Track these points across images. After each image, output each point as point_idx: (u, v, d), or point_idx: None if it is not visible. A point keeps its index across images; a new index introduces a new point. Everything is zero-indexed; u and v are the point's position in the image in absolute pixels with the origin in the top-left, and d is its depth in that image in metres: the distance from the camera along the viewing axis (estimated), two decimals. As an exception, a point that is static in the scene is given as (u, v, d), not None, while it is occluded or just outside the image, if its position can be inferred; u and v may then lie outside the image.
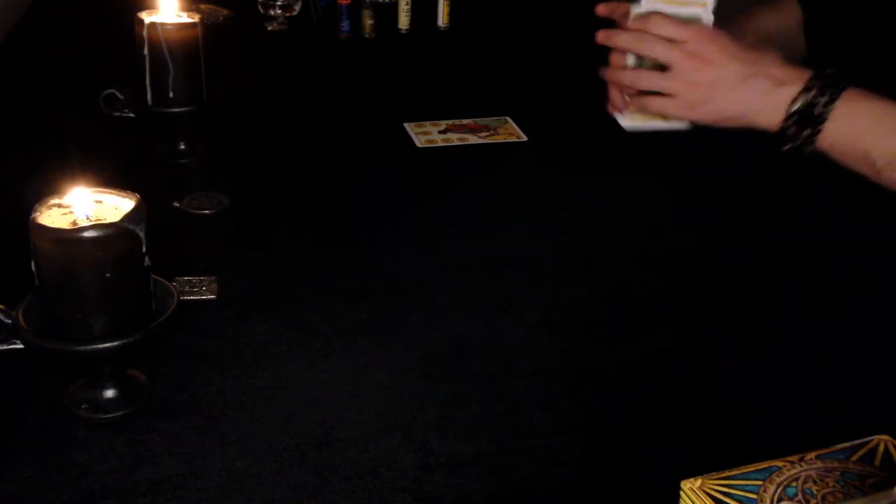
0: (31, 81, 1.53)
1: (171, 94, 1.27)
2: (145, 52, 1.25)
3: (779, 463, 0.71)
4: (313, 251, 1.14)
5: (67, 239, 0.79)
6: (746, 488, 0.69)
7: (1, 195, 1.14)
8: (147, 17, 1.26)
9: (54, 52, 1.64)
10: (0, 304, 0.84)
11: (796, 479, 0.70)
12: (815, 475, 0.71)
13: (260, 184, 1.29)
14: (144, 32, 1.25)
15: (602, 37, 1.06)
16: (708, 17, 1.06)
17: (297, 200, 1.26)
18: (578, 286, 1.09)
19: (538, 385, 0.93)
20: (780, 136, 0.99)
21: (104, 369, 0.86)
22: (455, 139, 1.44)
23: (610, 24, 1.09)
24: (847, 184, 1.01)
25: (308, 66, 1.75)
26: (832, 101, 0.96)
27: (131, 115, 1.30)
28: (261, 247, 1.14)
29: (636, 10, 1.05)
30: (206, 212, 1.19)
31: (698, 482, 0.69)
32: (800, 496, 0.69)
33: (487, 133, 1.46)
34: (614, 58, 1.07)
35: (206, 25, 1.33)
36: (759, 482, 0.70)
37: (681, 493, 0.70)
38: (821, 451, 0.73)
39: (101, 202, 0.84)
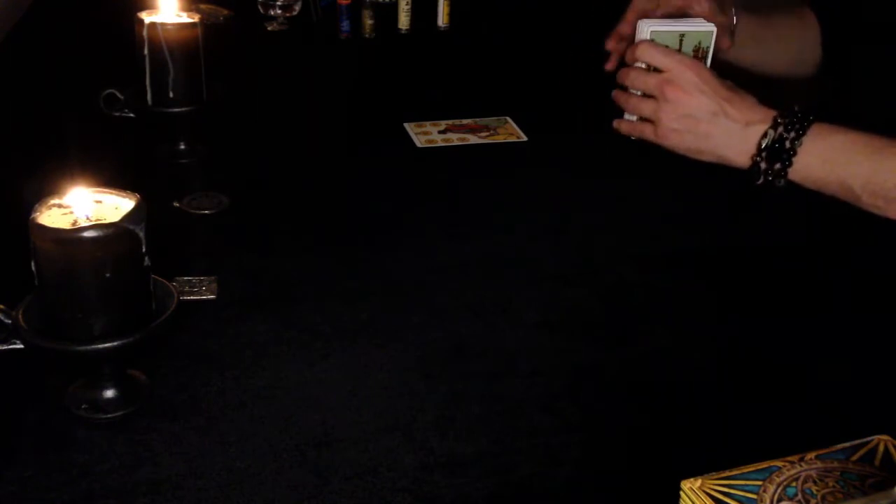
0: (31, 81, 1.53)
1: (171, 94, 1.27)
2: (145, 52, 1.25)
3: (779, 463, 0.71)
4: (313, 251, 1.14)
5: (67, 239, 0.79)
6: (746, 488, 0.69)
7: (1, 195, 1.14)
8: (147, 17, 1.26)
9: (54, 52, 1.64)
10: (0, 304, 0.84)
11: (796, 479, 0.70)
12: (815, 475, 0.71)
13: (260, 184, 1.29)
14: (144, 32, 1.25)
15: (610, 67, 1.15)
16: (708, 41, 1.08)
17: (297, 200, 1.26)
18: (578, 286, 1.09)
19: (538, 385, 0.93)
20: (751, 171, 1.03)
21: (104, 369, 0.86)
22: (455, 139, 1.44)
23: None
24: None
25: (308, 66, 1.75)
26: (800, 135, 1.00)
27: (131, 115, 1.30)
28: (261, 247, 1.14)
29: (638, 33, 1.08)
30: (206, 212, 1.19)
31: (698, 482, 0.69)
32: (800, 496, 0.69)
33: (487, 133, 1.46)
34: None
35: (206, 25, 1.33)
36: (759, 482, 0.70)
37: (681, 493, 0.70)
38: (821, 451, 0.73)
39: (101, 202, 0.84)
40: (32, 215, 0.80)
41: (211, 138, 1.35)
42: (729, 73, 1.13)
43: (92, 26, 1.72)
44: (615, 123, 1.13)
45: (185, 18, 1.28)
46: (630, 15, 1.19)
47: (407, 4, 1.89)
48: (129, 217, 0.81)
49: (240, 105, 1.44)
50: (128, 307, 0.83)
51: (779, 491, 0.69)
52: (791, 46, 1.30)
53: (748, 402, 0.92)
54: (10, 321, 0.82)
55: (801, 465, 0.71)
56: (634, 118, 1.11)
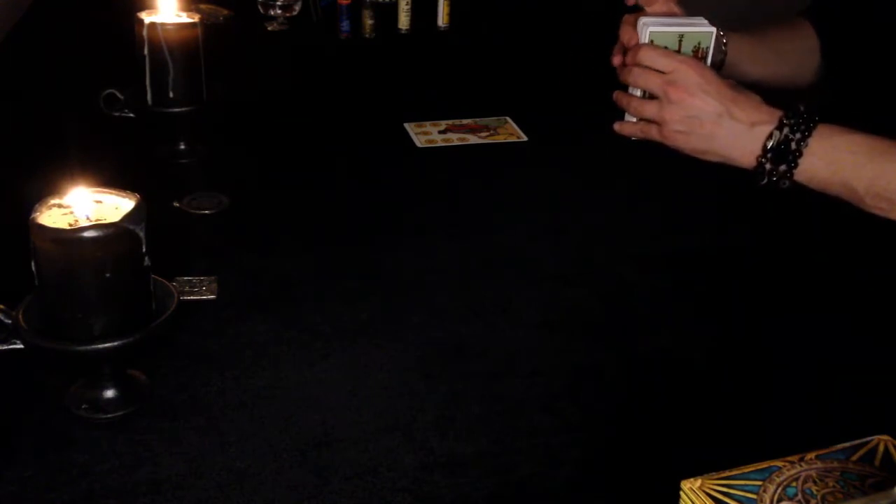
0: (31, 81, 1.53)
1: (171, 94, 1.27)
2: (145, 52, 1.25)
3: (779, 463, 0.71)
4: (313, 251, 1.14)
5: (67, 239, 0.79)
6: (746, 488, 0.69)
7: (1, 195, 1.14)
8: (147, 17, 1.26)
9: (54, 52, 1.64)
10: (0, 304, 0.84)
11: (796, 479, 0.70)
12: (815, 475, 0.71)
13: (260, 184, 1.29)
14: (144, 32, 1.25)
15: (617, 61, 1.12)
16: (708, 41, 1.08)
17: (297, 200, 1.26)
18: (578, 286, 1.09)
19: (538, 385, 0.93)
20: (756, 172, 1.03)
21: (104, 369, 0.86)
22: (455, 139, 1.44)
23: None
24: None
25: (308, 66, 1.75)
26: (805, 137, 1.00)
27: (131, 115, 1.30)
28: (261, 247, 1.14)
29: (640, 28, 1.08)
30: (206, 212, 1.19)
31: (698, 482, 0.69)
32: (800, 496, 0.69)
33: (487, 133, 1.47)
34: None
35: (206, 25, 1.33)
36: (759, 482, 0.70)
37: (681, 493, 0.70)
38: (821, 451, 0.73)
39: (101, 202, 0.84)
40: (32, 215, 0.80)
41: (211, 138, 1.35)
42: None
43: (92, 26, 1.73)
44: (616, 126, 1.13)
45: (185, 18, 1.28)
46: (628, 23, 1.18)
47: (407, 4, 1.89)
48: (129, 217, 0.81)
49: (240, 105, 1.44)
50: (128, 307, 0.83)
51: (779, 491, 0.69)
52: (790, 59, 1.30)
53: (748, 402, 0.92)
54: (10, 321, 0.83)
55: (801, 465, 0.71)
56: (634, 119, 1.11)
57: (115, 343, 0.81)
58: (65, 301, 0.81)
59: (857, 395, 0.93)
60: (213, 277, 1.04)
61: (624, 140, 1.14)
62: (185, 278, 1.03)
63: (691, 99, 1.04)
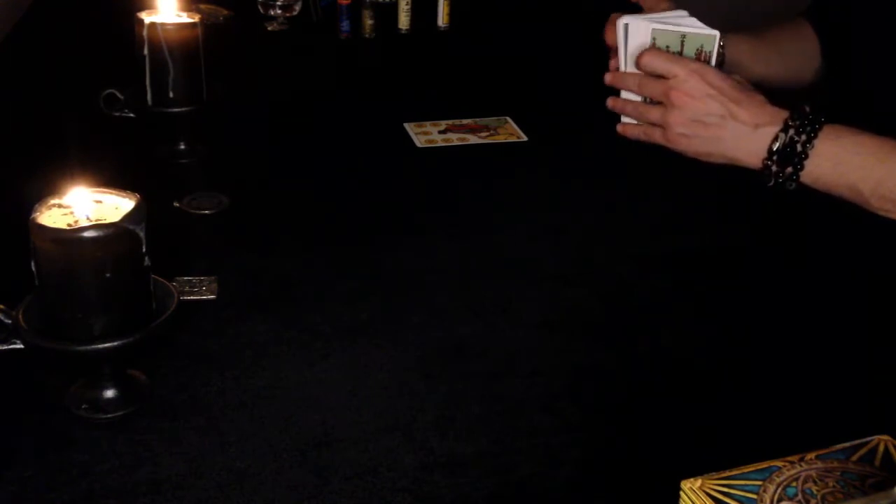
0: (31, 81, 1.53)
1: (171, 94, 1.27)
2: (145, 52, 1.25)
3: (779, 463, 0.71)
4: (313, 251, 1.14)
5: (67, 239, 0.79)
6: (746, 488, 0.69)
7: (1, 195, 1.14)
8: (147, 17, 1.26)
9: (54, 52, 1.64)
10: (0, 304, 0.84)
11: (796, 479, 0.70)
12: (815, 475, 0.71)
13: (260, 184, 1.29)
14: (144, 32, 1.25)
15: (608, 79, 1.11)
16: (711, 45, 1.07)
17: (297, 200, 1.26)
18: (578, 286, 1.09)
19: (538, 385, 0.93)
20: (763, 174, 1.02)
21: (104, 369, 0.86)
22: (455, 139, 1.44)
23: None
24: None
25: (308, 66, 1.75)
26: (811, 138, 0.99)
27: (131, 115, 1.30)
28: (261, 247, 1.14)
29: (620, 23, 1.08)
30: (206, 212, 1.19)
31: (698, 482, 0.69)
32: (800, 496, 0.69)
33: (487, 133, 1.47)
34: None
35: (206, 25, 1.33)
36: (759, 482, 0.70)
37: (681, 493, 0.70)
38: (821, 451, 0.73)
39: (101, 202, 0.84)
40: (32, 215, 0.80)
41: (211, 138, 1.35)
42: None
43: (92, 26, 1.72)
44: (619, 128, 1.11)
45: (185, 18, 1.28)
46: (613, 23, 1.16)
47: (407, 4, 1.89)
48: (129, 217, 0.81)
49: (240, 105, 1.44)
50: (128, 307, 0.83)
51: (779, 491, 0.69)
52: (792, 60, 1.30)
53: (748, 402, 0.92)
54: (10, 321, 0.83)
55: (801, 465, 0.71)
56: (633, 122, 1.10)
57: (115, 343, 0.81)
58: (65, 301, 0.81)
59: (857, 395, 0.93)
60: (213, 277, 1.04)
61: (625, 141, 1.13)
62: (185, 278, 1.03)
63: (694, 102, 1.03)
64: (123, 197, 0.84)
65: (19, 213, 0.83)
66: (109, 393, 0.86)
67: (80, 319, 0.81)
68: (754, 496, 0.68)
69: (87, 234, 0.79)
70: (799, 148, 0.99)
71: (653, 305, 1.07)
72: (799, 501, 0.68)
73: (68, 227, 0.80)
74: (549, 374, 0.94)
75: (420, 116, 1.49)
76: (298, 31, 1.88)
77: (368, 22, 1.86)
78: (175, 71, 1.26)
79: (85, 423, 0.84)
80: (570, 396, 0.91)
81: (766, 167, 1.01)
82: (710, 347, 1.00)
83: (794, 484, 0.70)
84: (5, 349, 0.83)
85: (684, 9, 1.12)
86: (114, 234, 0.79)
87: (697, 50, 1.07)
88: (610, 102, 1.11)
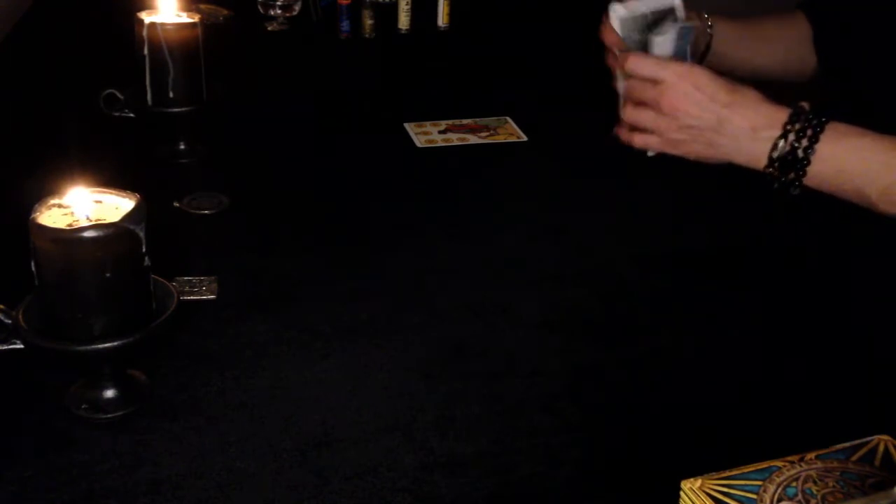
0: (31, 81, 1.53)
1: (171, 94, 1.27)
2: (145, 52, 1.25)
3: (779, 463, 0.71)
4: (313, 251, 1.14)
5: (67, 239, 0.79)
6: (746, 488, 0.69)
7: (1, 195, 1.14)
8: (147, 17, 1.26)
9: (54, 52, 1.64)
10: (0, 304, 0.84)
11: (796, 479, 0.70)
12: (815, 475, 0.71)
13: (260, 184, 1.29)
14: (144, 32, 1.25)
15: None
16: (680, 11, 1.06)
17: (297, 200, 1.26)
18: (578, 286, 1.09)
19: (538, 385, 0.93)
20: (766, 178, 1.00)
21: (104, 369, 0.86)
22: (455, 139, 1.44)
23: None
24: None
25: (308, 66, 1.75)
26: (812, 143, 0.96)
27: (131, 115, 1.30)
28: (261, 247, 1.14)
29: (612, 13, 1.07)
30: (206, 212, 1.19)
31: (698, 482, 0.69)
32: (800, 496, 0.69)
33: (487, 133, 1.46)
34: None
35: (206, 25, 1.33)
36: (759, 482, 0.70)
37: (681, 493, 0.70)
38: (821, 451, 0.73)
39: (101, 202, 0.84)
40: (32, 215, 0.80)
41: (211, 138, 1.35)
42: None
43: (92, 26, 1.72)
44: (624, 137, 1.09)
45: (185, 18, 1.28)
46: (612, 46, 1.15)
47: (407, 4, 1.89)
48: (129, 217, 0.81)
49: (240, 105, 1.44)
50: (128, 307, 0.83)
51: (779, 491, 0.69)
52: (777, 47, 1.28)
53: (748, 402, 0.92)
54: (10, 321, 0.83)
55: (801, 465, 0.71)
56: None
57: (115, 343, 0.81)
58: (65, 301, 0.81)
59: (857, 395, 0.93)
60: (213, 277, 1.04)
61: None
62: (185, 278, 1.03)
63: (686, 108, 1.00)
64: (123, 197, 0.84)
65: (19, 213, 0.83)
66: (109, 393, 0.86)
67: (80, 319, 0.81)
68: (754, 496, 0.69)
69: (87, 234, 0.79)
70: (800, 154, 0.96)
71: (653, 305, 1.07)
72: (799, 501, 0.68)
73: (68, 227, 0.80)
74: (549, 374, 0.94)
75: (420, 116, 1.49)
76: (298, 31, 1.88)
77: (368, 22, 1.86)
78: (175, 71, 1.26)
79: (85, 423, 0.84)
80: (570, 396, 0.91)
81: (767, 174, 0.99)
82: (710, 347, 1.00)
83: (794, 484, 0.70)
84: (5, 349, 0.83)
85: None
86: (114, 234, 0.79)
87: (664, 23, 1.06)
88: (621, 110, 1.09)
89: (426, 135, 1.45)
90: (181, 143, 1.33)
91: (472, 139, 1.44)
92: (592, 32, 1.13)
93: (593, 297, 1.08)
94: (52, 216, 0.81)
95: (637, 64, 1.03)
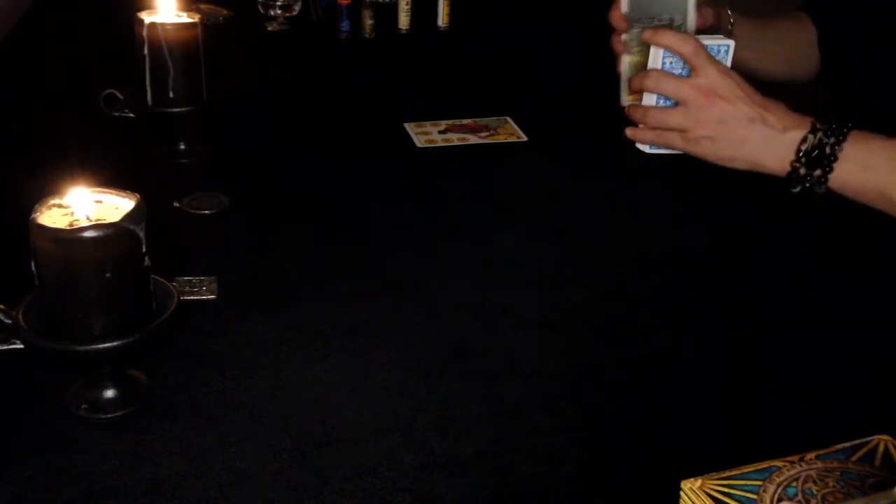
0: (31, 81, 1.53)
1: (171, 94, 1.27)
2: (145, 52, 1.25)
3: (779, 463, 0.71)
4: (313, 251, 1.14)
5: (67, 239, 0.79)
6: (746, 488, 0.69)
7: (1, 195, 1.14)
8: (147, 17, 1.26)
9: (54, 52, 1.64)
10: (0, 304, 0.83)
11: (796, 479, 0.70)
12: (815, 475, 0.71)
13: (260, 184, 1.29)
14: (144, 32, 1.25)
15: (636, 83, 1.06)
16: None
17: (297, 200, 1.26)
18: (578, 286, 1.09)
19: (538, 385, 0.93)
20: (790, 178, 0.99)
21: (104, 369, 0.86)
22: (455, 139, 1.44)
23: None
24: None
25: (308, 66, 1.75)
26: (840, 141, 0.97)
27: (131, 115, 1.30)
28: (261, 247, 1.14)
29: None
30: (206, 212, 1.19)
31: (698, 482, 0.69)
32: (800, 496, 0.69)
33: (487, 133, 1.47)
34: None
35: (206, 25, 1.33)
36: (759, 482, 0.70)
37: (681, 493, 0.70)
38: (821, 451, 0.73)
39: (101, 202, 0.84)
40: (32, 215, 0.80)
41: (211, 138, 1.35)
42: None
43: (92, 26, 1.73)
44: (629, 132, 1.07)
45: (185, 18, 1.28)
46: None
47: (407, 4, 1.89)
48: (129, 217, 0.81)
49: (240, 105, 1.44)
50: (128, 307, 0.83)
51: (779, 491, 0.69)
52: (790, 48, 1.29)
53: (748, 402, 0.92)
54: (10, 321, 0.82)
55: (801, 465, 0.71)
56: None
57: (115, 343, 0.81)
58: (65, 301, 0.81)
59: (856, 395, 0.93)
60: (213, 277, 1.04)
61: (627, 144, 1.12)
62: (185, 278, 1.03)
63: (723, 103, 1.00)
64: (123, 197, 0.84)
65: (19, 213, 0.83)
66: (109, 393, 0.86)
67: (80, 319, 0.81)
68: (754, 496, 0.68)
69: (87, 234, 0.79)
70: (828, 150, 0.97)
71: (653, 305, 1.07)
72: (799, 501, 0.68)
73: (68, 227, 0.80)
74: (549, 374, 0.94)
75: (420, 116, 1.49)
76: (298, 31, 1.88)
77: (368, 22, 1.86)
78: (175, 71, 1.26)
79: (85, 423, 0.84)
80: (570, 396, 0.91)
81: (794, 171, 0.98)
82: (710, 347, 1.00)
83: (794, 484, 0.70)
84: (5, 349, 0.83)
85: None
86: (114, 234, 0.79)
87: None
88: (627, 109, 1.07)
89: (426, 135, 1.45)
90: (181, 143, 1.33)
91: (472, 139, 1.44)
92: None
93: (593, 297, 1.08)
94: (52, 216, 0.81)
95: (693, 51, 1.01)
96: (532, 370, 0.95)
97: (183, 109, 1.29)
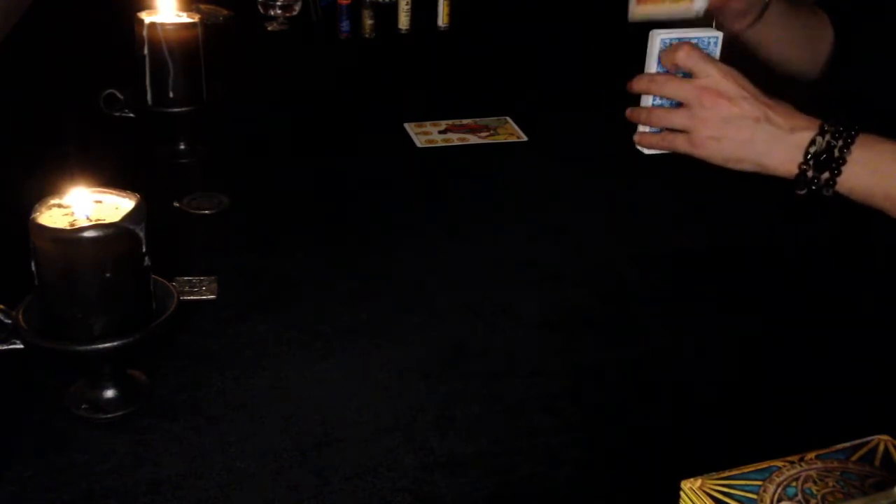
0: (31, 81, 1.53)
1: (171, 94, 1.27)
2: (145, 52, 1.25)
3: (779, 463, 0.71)
4: (313, 251, 1.14)
5: (67, 239, 0.79)
6: (746, 488, 0.69)
7: (1, 195, 1.14)
8: (147, 17, 1.26)
9: (54, 52, 1.64)
10: (0, 304, 0.83)
11: (796, 479, 0.70)
12: (815, 475, 0.71)
13: (260, 184, 1.29)
14: (144, 32, 1.25)
15: (634, 85, 1.06)
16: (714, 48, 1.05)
17: (297, 200, 1.26)
18: (578, 286, 1.09)
19: (538, 385, 0.93)
20: (797, 180, 0.98)
21: (104, 369, 0.86)
22: (455, 139, 1.44)
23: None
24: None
25: (308, 66, 1.75)
26: (848, 144, 0.96)
27: (131, 115, 1.30)
28: (261, 247, 1.14)
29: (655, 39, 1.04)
30: (206, 212, 1.19)
31: (698, 482, 0.69)
32: (800, 496, 0.69)
33: (487, 133, 1.47)
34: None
35: (206, 25, 1.33)
36: (759, 482, 0.70)
37: (681, 493, 0.70)
38: (821, 451, 0.73)
39: (101, 202, 0.84)
40: (32, 215, 0.80)
41: (211, 138, 1.35)
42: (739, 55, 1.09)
43: (92, 26, 1.73)
44: (637, 138, 1.06)
45: (185, 18, 1.28)
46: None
47: (407, 4, 1.89)
48: (129, 217, 0.81)
49: (240, 105, 1.44)
50: (128, 307, 0.83)
51: (779, 491, 0.69)
52: (811, 35, 1.26)
53: (748, 402, 0.92)
54: (10, 321, 0.82)
55: (801, 465, 0.71)
56: (647, 129, 1.06)
57: (115, 343, 0.81)
58: (65, 301, 0.81)
59: (856, 395, 0.93)
60: (213, 277, 1.04)
61: (623, 137, 1.12)
62: (185, 278, 1.03)
63: (728, 104, 0.99)
64: (123, 197, 0.84)
65: (19, 213, 0.83)
66: (109, 393, 0.86)
67: (80, 319, 0.81)
68: (754, 496, 0.68)
69: (87, 234, 0.79)
70: (836, 153, 0.96)
71: (653, 305, 1.07)
72: (799, 501, 0.68)
73: (68, 227, 0.80)
74: (549, 374, 0.94)
75: (420, 116, 1.49)
76: (298, 31, 1.88)
77: (368, 22, 1.86)
78: (175, 71, 1.26)
79: (85, 423, 0.84)
80: (570, 396, 0.91)
81: (801, 172, 0.97)
82: (710, 347, 1.00)
83: (794, 484, 0.70)
84: (5, 349, 0.83)
85: None
86: (114, 234, 0.79)
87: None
88: (628, 113, 1.07)
89: (426, 135, 1.45)
90: (181, 143, 1.33)
91: (472, 139, 1.44)
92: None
93: (593, 297, 1.08)
94: (52, 216, 0.81)
95: (687, 55, 1.00)
96: (532, 370, 0.95)
97: (183, 109, 1.29)
